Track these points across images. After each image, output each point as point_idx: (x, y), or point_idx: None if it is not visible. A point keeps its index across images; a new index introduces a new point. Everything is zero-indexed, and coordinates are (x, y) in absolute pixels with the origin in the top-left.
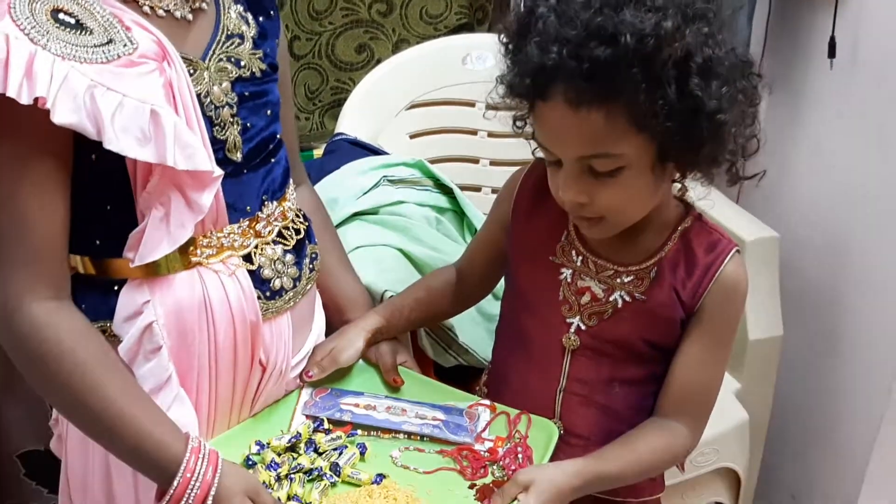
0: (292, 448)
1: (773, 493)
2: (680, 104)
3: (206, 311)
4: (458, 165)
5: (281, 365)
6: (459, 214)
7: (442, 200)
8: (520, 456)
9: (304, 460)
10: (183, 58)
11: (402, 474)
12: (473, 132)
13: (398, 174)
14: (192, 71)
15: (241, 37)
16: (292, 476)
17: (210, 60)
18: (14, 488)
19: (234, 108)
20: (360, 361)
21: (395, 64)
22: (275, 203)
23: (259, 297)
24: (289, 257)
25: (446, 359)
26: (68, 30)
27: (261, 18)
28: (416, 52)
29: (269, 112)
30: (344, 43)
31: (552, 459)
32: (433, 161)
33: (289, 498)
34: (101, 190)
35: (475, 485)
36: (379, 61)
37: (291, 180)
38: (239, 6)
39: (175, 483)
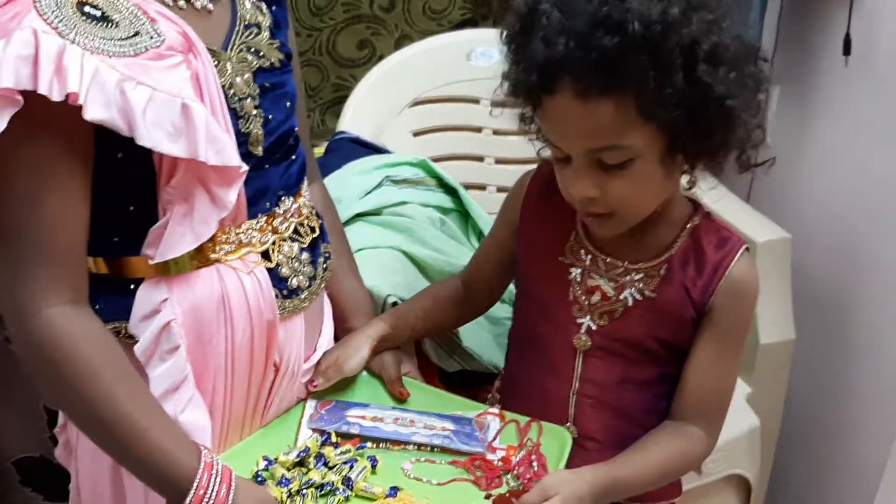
0: (301, 463)
1: (785, 503)
2: (688, 91)
3: (225, 309)
4: (463, 163)
5: (293, 366)
6: (464, 215)
7: (446, 200)
8: (534, 464)
9: (316, 475)
10: (207, 48)
11: (415, 486)
12: (478, 129)
13: (401, 174)
14: (215, 62)
15: (258, 26)
16: (304, 492)
17: (231, 51)
18: (10, 495)
19: (257, 100)
20: (364, 372)
21: (398, 60)
22: (291, 199)
23: (277, 296)
24: (305, 255)
25: (450, 363)
26: (95, 23)
27: (273, 7)
28: (419, 49)
29: (287, 104)
30: (345, 39)
31: (569, 464)
32: (437, 159)
33: None
34: (124, 188)
35: (491, 495)
36: (381, 58)
37: (305, 174)
38: None
39: (188, 501)
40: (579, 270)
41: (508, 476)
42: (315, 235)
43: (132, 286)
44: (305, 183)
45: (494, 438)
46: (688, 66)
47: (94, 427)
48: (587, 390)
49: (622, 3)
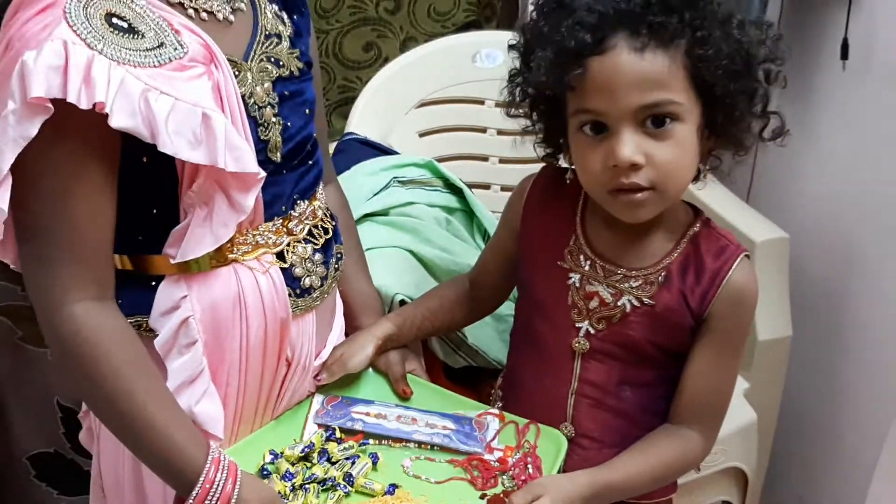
0: (305, 457)
1: (781, 495)
2: (729, 48)
3: (241, 307)
4: (468, 163)
5: (305, 361)
6: (469, 214)
7: (452, 200)
8: (529, 466)
9: (318, 470)
10: (228, 59)
11: (413, 484)
12: (483, 130)
13: (408, 175)
14: (236, 72)
15: (279, 36)
16: (307, 486)
17: (252, 61)
18: (24, 491)
19: (276, 108)
20: (370, 369)
21: (405, 62)
22: (306, 202)
23: (290, 295)
24: (317, 256)
25: (455, 360)
26: (122, 34)
27: (295, 17)
28: (425, 51)
29: (307, 111)
30: (351, 41)
31: (566, 463)
32: (442, 159)
33: None
34: (149, 191)
35: (486, 495)
36: (386, 60)
37: (321, 178)
38: (274, 6)
39: (195, 493)
40: (578, 276)
41: (504, 477)
42: (328, 237)
43: (154, 283)
44: (321, 187)
45: (493, 439)
46: (723, 28)
47: (112, 418)
48: (585, 391)
49: None
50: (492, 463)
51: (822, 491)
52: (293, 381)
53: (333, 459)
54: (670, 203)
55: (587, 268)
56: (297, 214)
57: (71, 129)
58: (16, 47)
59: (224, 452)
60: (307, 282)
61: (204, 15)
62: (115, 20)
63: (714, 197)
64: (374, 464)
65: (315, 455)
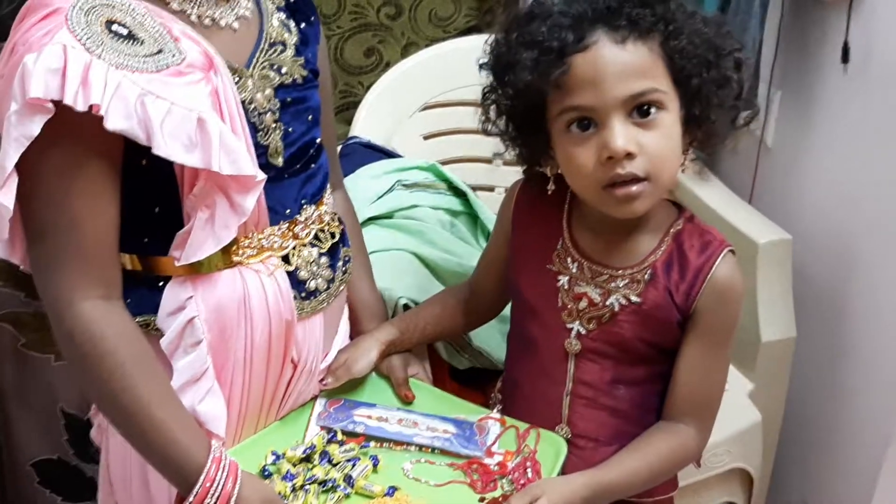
0: (307, 459)
1: (785, 497)
2: (696, 37)
3: (245, 309)
4: (472, 166)
5: (311, 364)
6: (473, 217)
7: (455, 203)
8: (528, 470)
9: (319, 471)
10: (229, 66)
11: (413, 487)
12: (486, 132)
13: (412, 178)
14: (236, 79)
15: (284, 44)
16: (307, 487)
17: (254, 68)
18: (29, 497)
19: (277, 114)
20: (374, 373)
21: (409, 66)
22: (312, 207)
23: (295, 298)
24: (323, 259)
25: (460, 361)
26: (121, 40)
27: (302, 25)
28: (428, 54)
29: (310, 118)
30: (352, 46)
31: (564, 464)
32: (446, 162)
33: None
34: (151, 193)
35: (484, 498)
36: (388, 65)
37: (329, 184)
38: (281, 14)
39: (195, 491)
40: (566, 278)
41: (503, 480)
42: (335, 241)
43: (161, 283)
44: (328, 191)
45: (494, 443)
46: (692, 21)
47: (117, 415)
48: (580, 391)
49: None
50: (491, 467)
51: (826, 493)
52: (298, 383)
53: (334, 461)
54: (662, 194)
55: (575, 270)
56: (303, 219)
57: (71, 130)
58: (20, 51)
59: (225, 452)
60: (312, 285)
61: (207, 22)
62: (114, 27)
63: (716, 198)
64: (375, 466)
65: (316, 456)
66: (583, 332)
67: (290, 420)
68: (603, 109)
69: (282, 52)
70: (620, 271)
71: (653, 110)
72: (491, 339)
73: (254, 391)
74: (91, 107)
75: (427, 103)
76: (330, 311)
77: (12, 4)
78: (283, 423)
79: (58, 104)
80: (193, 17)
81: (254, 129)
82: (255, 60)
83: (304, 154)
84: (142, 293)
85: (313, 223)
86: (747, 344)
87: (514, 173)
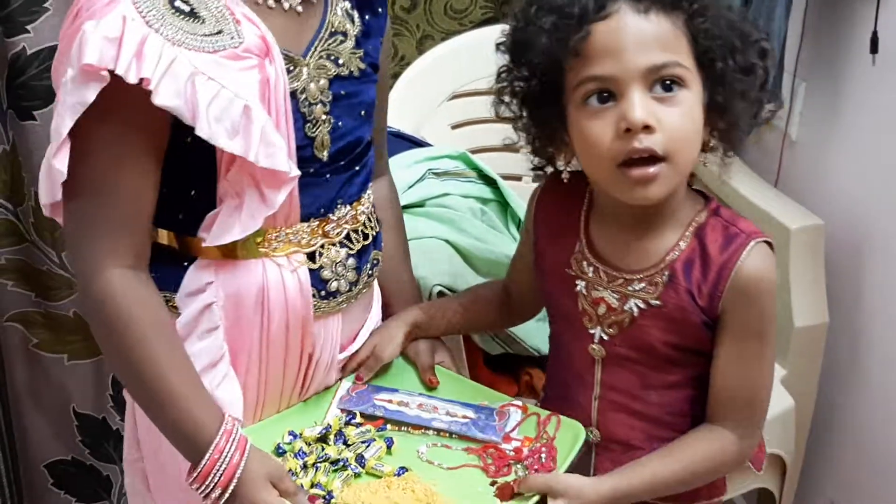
0: (323, 439)
1: (815, 489)
2: (722, 20)
3: (263, 301)
4: (500, 154)
5: (326, 359)
6: (503, 205)
7: (486, 191)
8: (543, 456)
9: (332, 451)
10: (284, 54)
11: (425, 469)
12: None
13: (442, 167)
14: (291, 67)
15: (345, 34)
16: (318, 465)
17: (311, 57)
18: (42, 498)
19: (328, 107)
20: (400, 359)
21: (435, 56)
22: (348, 207)
23: (314, 296)
24: (350, 261)
25: (493, 346)
26: (183, 17)
27: (367, 16)
28: (456, 44)
29: (362, 112)
30: None
31: (596, 466)
32: (474, 151)
33: (312, 485)
34: (191, 171)
35: (496, 482)
36: (403, 58)
37: (370, 182)
38: (346, 3)
39: (203, 461)
40: (584, 283)
41: (518, 466)
42: (366, 243)
43: (186, 263)
44: (368, 192)
45: (513, 429)
46: (716, 5)
47: (135, 384)
48: (609, 396)
49: None
50: (507, 452)
51: (859, 476)
52: (317, 375)
53: (349, 442)
54: (680, 179)
55: (591, 274)
56: (335, 218)
57: (123, 101)
58: (83, 17)
59: (238, 425)
60: (334, 286)
61: (271, 3)
62: (178, 3)
63: (745, 185)
64: (389, 448)
65: (332, 437)
66: (605, 337)
67: (313, 402)
68: (623, 80)
69: (342, 42)
70: (637, 274)
71: (675, 87)
72: (524, 325)
73: (271, 381)
74: (142, 80)
75: (456, 92)
76: (349, 312)
77: None
78: (305, 404)
79: (112, 74)
80: None
81: (303, 119)
82: (313, 49)
83: (351, 151)
84: (168, 270)
85: (346, 223)
86: (780, 330)
87: None
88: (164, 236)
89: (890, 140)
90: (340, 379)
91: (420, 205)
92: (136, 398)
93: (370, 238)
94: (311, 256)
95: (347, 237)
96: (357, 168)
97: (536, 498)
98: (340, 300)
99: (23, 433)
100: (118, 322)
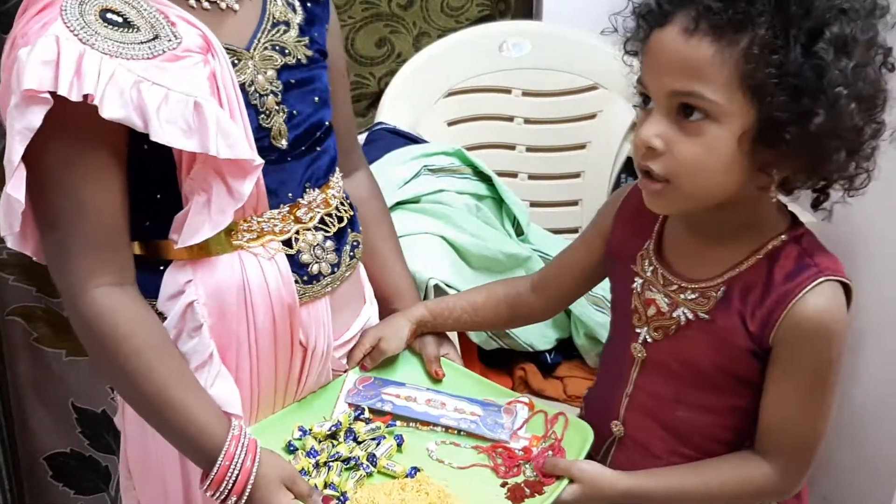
0: (333, 435)
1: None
2: (800, 63)
3: (245, 293)
4: (495, 152)
5: (322, 347)
6: (498, 201)
7: (481, 188)
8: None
9: (343, 449)
10: (227, 48)
11: (436, 468)
12: (510, 119)
13: (438, 163)
14: (236, 61)
15: (287, 24)
16: (330, 464)
17: (255, 50)
18: (41, 490)
19: (279, 96)
20: (406, 351)
21: (433, 52)
22: (317, 190)
23: (297, 281)
24: (328, 243)
25: (488, 342)
26: (116, 28)
27: (309, 4)
28: (452, 41)
29: (316, 99)
30: (364, 37)
31: (613, 457)
32: (471, 148)
33: (325, 485)
34: (152, 177)
35: (507, 483)
36: (399, 55)
37: (338, 168)
38: None
39: (215, 468)
40: (641, 281)
41: (527, 466)
42: (342, 225)
43: (162, 268)
44: (336, 175)
45: (521, 427)
46: (808, 41)
47: (136, 399)
48: (639, 397)
49: None
50: (516, 451)
51: (848, 488)
52: (313, 366)
53: (359, 439)
54: (692, 203)
55: (649, 274)
56: (306, 202)
57: (72, 120)
58: (18, 44)
59: (245, 429)
60: (315, 268)
61: (206, 4)
62: (109, 15)
63: None
64: (399, 445)
65: (342, 434)
66: (649, 339)
67: (320, 396)
68: (653, 93)
69: (285, 32)
70: (693, 284)
71: (696, 114)
72: None
73: (264, 375)
74: (86, 97)
75: (452, 89)
76: (337, 296)
77: None
78: (312, 398)
79: (55, 96)
80: (192, 2)
81: (255, 111)
82: (256, 42)
83: (311, 136)
84: (145, 278)
85: (318, 207)
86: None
87: (537, 159)
88: (135, 247)
89: (883, 139)
90: (346, 371)
91: (415, 201)
92: (139, 413)
93: (345, 220)
94: (288, 243)
95: (322, 221)
96: (319, 149)
97: (552, 498)
98: (325, 283)
99: (23, 426)
100: (109, 341)
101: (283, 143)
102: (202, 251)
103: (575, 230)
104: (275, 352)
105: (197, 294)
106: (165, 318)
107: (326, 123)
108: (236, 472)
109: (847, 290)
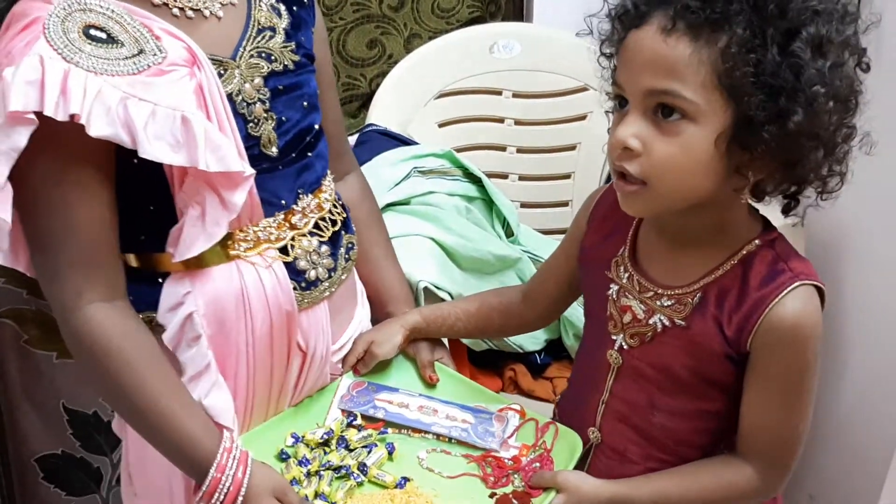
0: (325, 443)
1: (791, 493)
2: (778, 63)
3: (244, 302)
4: (486, 153)
5: (321, 351)
6: (488, 203)
7: (471, 189)
8: (538, 467)
9: (334, 457)
10: (213, 59)
11: (426, 477)
12: (500, 120)
13: (428, 165)
14: (222, 71)
15: (273, 30)
16: (321, 473)
17: (240, 58)
18: (33, 492)
19: (267, 104)
20: (400, 356)
21: (424, 54)
22: (310, 196)
23: (295, 288)
24: (324, 248)
25: (478, 343)
26: (100, 45)
27: (294, 8)
28: (443, 43)
29: (305, 104)
30: (355, 39)
31: (590, 465)
32: (461, 149)
33: (316, 495)
34: (144, 191)
35: (495, 493)
36: (391, 57)
37: (329, 171)
38: None
39: (207, 481)
40: (616, 288)
41: (516, 476)
42: (336, 229)
43: (160, 280)
44: (328, 179)
45: (511, 435)
46: (786, 39)
47: (128, 412)
48: (614, 404)
49: None
50: (506, 461)
51: (834, 488)
52: (311, 371)
53: (351, 447)
54: (668, 204)
55: (625, 280)
56: (300, 209)
57: (58, 139)
58: (3, 64)
59: (237, 441)
60: (312, 274)
61: (190, 13)
62: (93, 31)
63: None
64: (391, 453)
65: (334, 441)
66: (625, 346)
67: (314, 401)
68: (629, 94)
69: (271, 38)
70: (668, 290)
71: (675, 115)
72: None
73: (259, 382)
74: (72, 116)
75: (442, 91)
76: (335, 299)
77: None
78: (306, 403)
79: (40, 115)
80: (175, 11)
81: (243, 120)
82: (241, 50)
83: (301, 142)
84: (142, 290)
85: (312, 212)
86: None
87: (527, 160)
88: (131, 259)
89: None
90: (340, 375)
91: (405, 203)
92: (131, 425)
93: (339, 223)
94: (284, 250)
95: (316, 226)
96: (311, 155)
97: None
98: (322, 288)
99: (14, 427)
100: (100, 356)
101: (274, 151)
102: (199, 262)
103: (565, 231)
104: (271, 358)
105: (196, 305)
106: (165, 330)
107: (316, 128)
108: (228, 483)
109: (821, 293)
